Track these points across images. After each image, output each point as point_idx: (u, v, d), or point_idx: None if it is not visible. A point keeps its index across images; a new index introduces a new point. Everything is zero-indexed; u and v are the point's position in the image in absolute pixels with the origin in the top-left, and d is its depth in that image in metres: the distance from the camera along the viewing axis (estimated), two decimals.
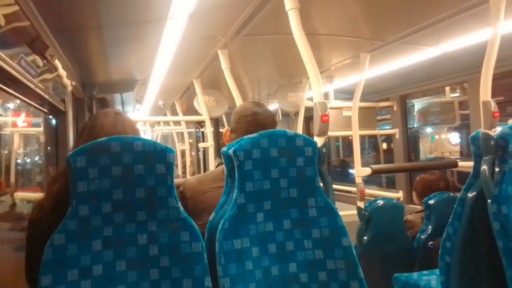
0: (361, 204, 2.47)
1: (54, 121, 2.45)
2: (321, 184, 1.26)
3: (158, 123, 6.24)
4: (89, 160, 1.01)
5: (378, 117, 4.18)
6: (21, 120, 2.89)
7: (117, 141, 1.03)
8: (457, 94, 3.95)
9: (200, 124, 6.19)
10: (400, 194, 3.60)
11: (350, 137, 3.09)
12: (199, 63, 2.87)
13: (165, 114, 5.70)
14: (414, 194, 3.02)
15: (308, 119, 4.77)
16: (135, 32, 1.99)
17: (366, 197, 2.74)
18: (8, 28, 1.27)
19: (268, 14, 1.83)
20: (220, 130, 5.52)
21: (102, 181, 1.01)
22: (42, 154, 2.81)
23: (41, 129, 2.83)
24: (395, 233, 2.28)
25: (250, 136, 1.17)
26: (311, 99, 3.32)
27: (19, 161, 3.00)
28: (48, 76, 1.83)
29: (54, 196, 1.14)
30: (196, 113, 3.74)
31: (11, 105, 2.73)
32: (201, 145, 4.55)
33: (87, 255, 1.00)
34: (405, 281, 1.92)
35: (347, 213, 2.75)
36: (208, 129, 3.61)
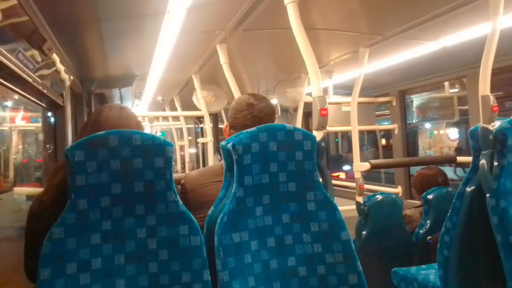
0: (360, 199, 2.47)
1: (52, 119, 2.44)
2: (320, 179, 1.26)
3: (157, 118, 6.23)
4: (88, 153, 1.00)
5: (377, 113, 4.18)
6: (20, 118, 2.88)
7: (115, 134, 1.03)
8: (456, 90, 3.95)
9: (199, 119, 6.19)
10: (398, 189, 3.60)
11: (349, 133, 3.09)
12: (198, 58, 2.87)
13: (164, 110, 5.69)
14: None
15: (307, 114, 4.77)
16: (133, 26, 1.98)
17: (365, 192, 2.75)
18: (6, 23, 1.26)
19: (267, 8, 1.83)
20: (219, 125, 5.53)
21: (100, 174, 1.01)
22: (40, 149, 2.81)
23: (39, 124, 2.82)
24: (394, 228, 2.28)
25: (249, 130, 1.17)
26: (310, 94, 3.32)
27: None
28: (46, 70, 1.82)
29: (54, 190, 1.14)
30: (195, 108, 3.73)
31: (9, 103, 2.73)
32: (200, 140, 4.56)
33: (86, 249, 1.00)
34: (403, 275, 1.92)
35: (346, 208, 2.75)
36: (207, 124, 3.61)
